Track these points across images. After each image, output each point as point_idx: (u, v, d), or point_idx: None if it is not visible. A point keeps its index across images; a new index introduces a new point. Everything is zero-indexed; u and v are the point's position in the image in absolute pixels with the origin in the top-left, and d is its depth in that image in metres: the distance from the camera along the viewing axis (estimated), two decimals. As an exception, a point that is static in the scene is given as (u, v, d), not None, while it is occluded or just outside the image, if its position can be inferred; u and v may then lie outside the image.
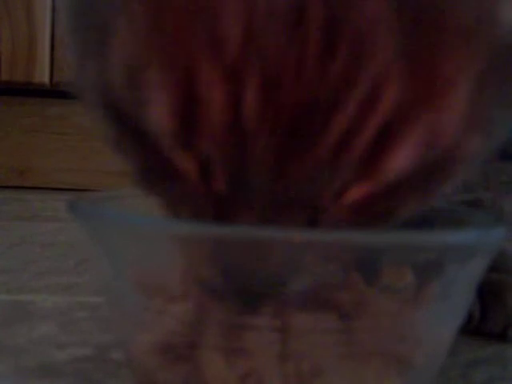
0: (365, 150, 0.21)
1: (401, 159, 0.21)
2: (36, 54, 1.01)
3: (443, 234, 0.20)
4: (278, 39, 0.19)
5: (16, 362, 0.30)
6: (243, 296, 0.21)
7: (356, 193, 0.22)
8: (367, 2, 0.19)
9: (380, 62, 0.19)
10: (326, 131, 0.20)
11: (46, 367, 0.30)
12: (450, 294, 0.23)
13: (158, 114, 0.21)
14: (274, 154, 0.20)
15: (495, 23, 0.21)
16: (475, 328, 0.35)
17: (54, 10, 1.00)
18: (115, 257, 0.23)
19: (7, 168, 1.06)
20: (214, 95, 0.20)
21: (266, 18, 0.19)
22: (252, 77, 0.20)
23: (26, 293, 0.43)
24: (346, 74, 0.19)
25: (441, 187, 0.23)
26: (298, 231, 0.20)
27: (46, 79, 1.01)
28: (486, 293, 0.35)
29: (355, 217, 0.22)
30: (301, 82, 0.20)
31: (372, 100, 0.20)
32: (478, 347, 0.35)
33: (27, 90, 1.04)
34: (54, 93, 1.02)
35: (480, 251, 0.22)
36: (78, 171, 1.05)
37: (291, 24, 0.19)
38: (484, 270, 0.24)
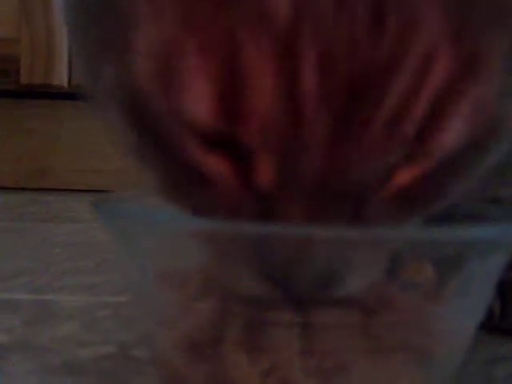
0: (418, 125, 0.20)
1: (451, 134, 0.20)
2: (54, 57, 1.02)
3: (465, 228, 0.21)
4: (326, 10, 0.18)
5: (40, 360, 0.31)
6: (274, 294, 0.21)
7: (405, 175, 0.21)
8: None
9: (430, 33, 0.19)
10: (379, 105, 0.19)
11: (70, 365, 0.30)
12: (471, 289, 0.23)
13: (196, 104, 0.19)
14: (328, 135, 0.19)
15: None
16: (495, 325, 0.35)
17: (71, 13, 1.01)
18: (140, 254, 0.23)
19: (28, 170, 1.07)
20: (262, 73, 0.18)
21: None
22: (305, 54, 0.18)
23: (49, 293, 0.43)
24: (397, 45, 0.18)
25: (484, 166, 0.23)
26: (319, 228, 0.20)
27: (64, 82, 1.02)
28: (507, 290, 0.35)
29: (404, 203, 0.21)
30: (353, 57, 0.18)
31: (423, 71, 0.19)
32: (498, 344, 0.34)
33: (46, 93, 1.05)
34: (73, 95, 1.03)
35: (501, 246, 0.22)
36: (98, 172, 1.06)
37: None
38: (504, 266, 0.24)
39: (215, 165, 0.20)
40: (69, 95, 1.03)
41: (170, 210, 0.24)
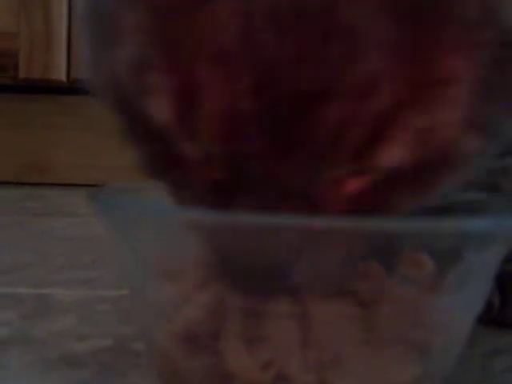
0: (357, 145, 0.21)
1: (391, 156, 0.21)
2: (53, 51, 1.01)
3: (461, 221, 0.21)
4: (271, 35, 0.20)
5: (39, 354, 0.31)
6: (255, 284, 0.21)
7: (350, 185, 0.22)
8: None
9: (374, 58, 0.20)
10: (319, 125, 0.20)
11: (68, 358, 0.30)
12: (469, 281, 0.23)
13: (161, 108, 0.22)
14: (270, 146, 0.21)
15: (495, 23, 0.21)
16: (494, 318, 0.35)
17: (70, 7, 1.01)
18: (137, 246, 0.23)
19: (26, 165, 1.07)
20: (210, 91, 0.21)
21: (264, 13, 0.20)
22: (246, 73, 0.20)
23: (47, 286, 0.44)
24: (339, 67, 0.20)
25: (440, 184, 0.23)
26: (315, 218, 0.20)
27: (63, 76, 1.02)
28: (506, 283, 0.35)
29: (352, 208, 0.22)
30: (295, 75, 0.20)
31: (366, 95, 0.20)
32: (497, 337, 0.35)
33: (44, 88, 1.05)
34: (72, 90, 1.03)
35: (498, 238, 0.22)
36: (95, 167, 1.06)
37: (287, 18, 0.19)
38: (502, 258, 0.24)
39: (184, 151, 0.23)
40: (67, 90, 1.03)
41: (165, 202, 0.24)
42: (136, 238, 0.23)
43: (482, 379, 0.30)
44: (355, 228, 0.20)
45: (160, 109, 0.22)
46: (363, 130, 0.20)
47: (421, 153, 0.21)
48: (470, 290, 0.23)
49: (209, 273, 0.23)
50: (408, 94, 0.20)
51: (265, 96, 0.20)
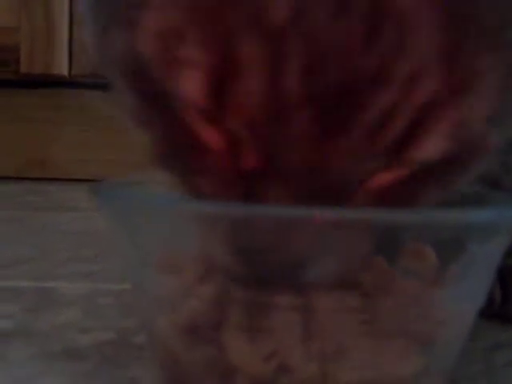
0: (397, 136, 0.21)
1: (429, 148, 0.21)
2: (54, 46, 1.01)
3: (465, 212, 0.21)
4: (323, 17, 0.19)
5: (42, 347, 0.31)
6: (264, 277, 0.21)
7: (383, 178, 0.22)
8: None
9: (421, 51, 0.20)
10: (363, 113, 0.20)
11: (71, 351, 0.31)
12: (472, 273, 0.23)
13: (192, 85, 0.21)
14: (311, 133, 0.20)
15: None
16: (496, 312, 0.35)
17: (71, 1, 1.00)
18: (139, 239, 0.23)
19: (27, 160, 1.07)
20: (253, 68, 0.20)
21: None
22: (294, 53, 0.19)
23: (49, 280, 0.44)
24: (388, 59, 0.20)
25: (463, 177, 0.24)
26: (317, 210, 0.20)
27: (64, 71, 1.02)
28: (507, 277, 0.35)
29: (379, 202, 0.22)
30: (342, 63, 0.19)
31: (410, 87, 0.20)
32: (499, 331, 0.35)
33: (46, 82, 1.05)
34: (73, 84, 1.03)
35: (501, 230, 0.22)
36: (96, 162, 1.06)
37: (337, 4, 0.19)
38: (504, 250, 0.24)
39: (211, 136, 0.22)
40: (69, 84, 1.03)
41: (168, 194, 0.24)
42: (137, 230, 0.23)
43: (484, 373, 0.30)
44: (358, 219, 0.20)
45: (190, 84, 0.20)
46: (405, 120, 0.20)
47: (452, 146, 0.21)
48: (472, 282, 0.23)
49: (211, 265, 0.23)
50: (446, 89, 0.20)
51: (310, 79, 0.19)
